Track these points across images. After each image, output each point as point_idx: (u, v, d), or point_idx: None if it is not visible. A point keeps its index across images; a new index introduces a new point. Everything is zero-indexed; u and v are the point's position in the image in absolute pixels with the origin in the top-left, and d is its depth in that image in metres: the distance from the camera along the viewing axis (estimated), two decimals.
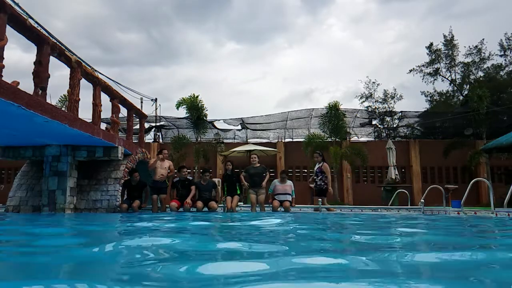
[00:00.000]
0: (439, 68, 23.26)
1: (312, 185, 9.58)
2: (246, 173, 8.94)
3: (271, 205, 8.84)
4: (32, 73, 6.78)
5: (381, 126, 20.18)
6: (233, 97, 50.60)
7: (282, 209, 8.65)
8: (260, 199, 8.73)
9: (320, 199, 10.11)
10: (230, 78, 53.35)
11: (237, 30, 50.96)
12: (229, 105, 48.09)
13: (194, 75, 51.03)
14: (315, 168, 9.18)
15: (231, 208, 8.66)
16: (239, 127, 19.06)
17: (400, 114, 19.08)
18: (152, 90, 66.47)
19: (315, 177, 9.15)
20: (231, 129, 19.22)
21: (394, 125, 20.08)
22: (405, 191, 12.20)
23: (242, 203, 9.43)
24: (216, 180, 9.83)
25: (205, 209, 8.79)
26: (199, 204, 8.59)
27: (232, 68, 52.92)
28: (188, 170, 9.28)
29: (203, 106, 16.15)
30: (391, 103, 21.77)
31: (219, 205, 9.04)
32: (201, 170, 8.96)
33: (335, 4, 49.26)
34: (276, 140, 18.71)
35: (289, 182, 9.08)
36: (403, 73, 43.67)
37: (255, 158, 9.05)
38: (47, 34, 7.66)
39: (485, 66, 23.08)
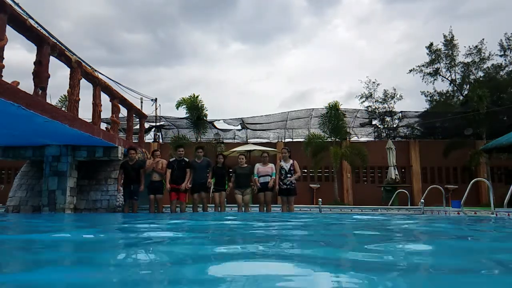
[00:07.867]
0: (439, 68, 23.24)
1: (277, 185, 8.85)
2: (233, 173, 8.79)
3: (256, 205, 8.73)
4: (32, 73, 6.79)
5: (381, 126, 20.18)
6: (236, 97, 50.53)
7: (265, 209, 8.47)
8: (245, 200, 8.61)
9: (320, 200, 10.15)
10: (234, 79, 53.29)
11: (243, 30, 50.88)
12: (233, 106, 47.92)
13: (198, 76, 50.96)
14: (284, 166, 8.46)
15: (219, 204, 8.56)
16: (239, 127, 19.03)
17: (400, 114, 19.08)
18: (156, 90, 66.27)
19: (288, 175, 8.36)
20: (231, 129, 19.19)
21: (394, 125, 20.09)
22: (405, 191, 12.21)
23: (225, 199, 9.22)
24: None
25: (200, 209, 8.61)
26: (196, 196, 8.43)
27: (236, 68, 52.84)
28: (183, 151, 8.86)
29: (203, 106, 16.13)
30: (391, 103, 21.78)
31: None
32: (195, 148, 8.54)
33: (341, 5, 49.22)
34: (276, 140, 18.70)
35: (271, 164, 8.75)
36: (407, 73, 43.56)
37: (242, 158, 8.85)
38: (47, 34, 7.67)
39: (485, 66, 23.05)
